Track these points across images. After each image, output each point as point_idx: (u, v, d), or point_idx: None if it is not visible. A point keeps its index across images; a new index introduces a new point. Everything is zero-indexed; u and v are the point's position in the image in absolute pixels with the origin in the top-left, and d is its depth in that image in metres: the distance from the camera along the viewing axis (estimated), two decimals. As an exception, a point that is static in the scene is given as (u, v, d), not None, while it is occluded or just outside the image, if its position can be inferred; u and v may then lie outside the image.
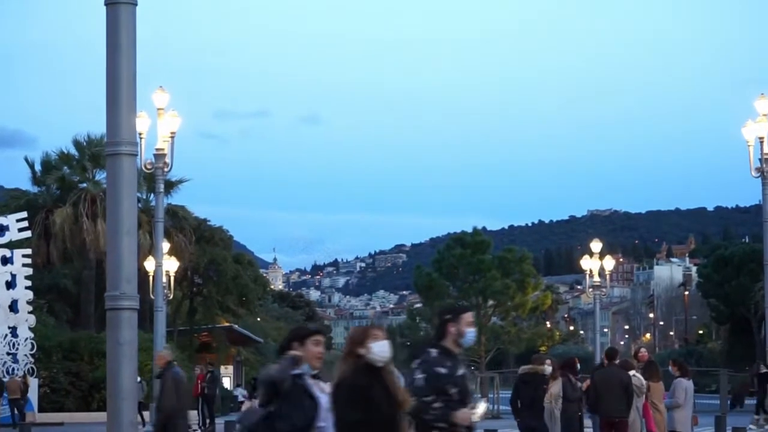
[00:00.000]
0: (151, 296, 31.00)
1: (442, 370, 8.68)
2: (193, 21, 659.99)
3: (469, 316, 9.12)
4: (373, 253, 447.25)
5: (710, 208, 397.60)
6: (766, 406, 39.67)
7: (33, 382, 42.94)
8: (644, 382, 19.82)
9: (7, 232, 44.07)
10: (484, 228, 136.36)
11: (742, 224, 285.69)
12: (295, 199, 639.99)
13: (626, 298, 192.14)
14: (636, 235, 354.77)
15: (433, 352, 8.86)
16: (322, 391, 7.74)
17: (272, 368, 7.86)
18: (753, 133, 26.92)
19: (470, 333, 9.02)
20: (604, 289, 42.31)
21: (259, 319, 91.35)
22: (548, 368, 19.34)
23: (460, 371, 8.93)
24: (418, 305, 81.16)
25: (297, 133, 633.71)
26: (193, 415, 40.90)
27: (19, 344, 43.32)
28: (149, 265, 34.61)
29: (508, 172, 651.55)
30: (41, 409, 43.45)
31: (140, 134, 25.68)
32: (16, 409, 40.97)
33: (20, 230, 44.48)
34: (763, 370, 40.41)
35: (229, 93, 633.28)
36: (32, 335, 43.64)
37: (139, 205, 50.31)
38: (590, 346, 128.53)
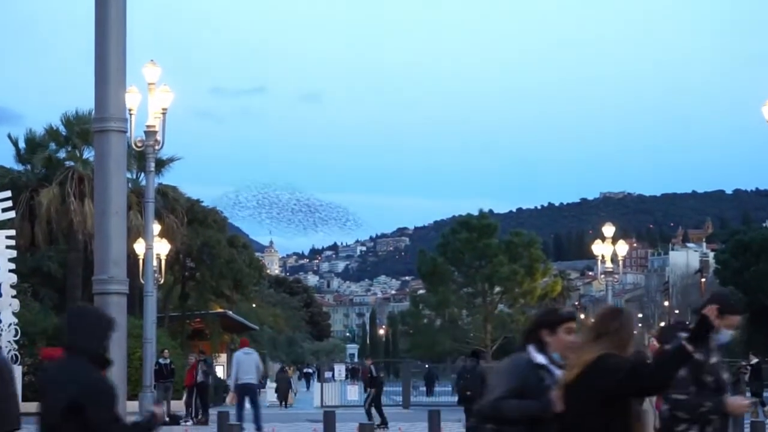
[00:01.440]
0: (141, 281, 30.99)
1: (699, 357, 8.06)
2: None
3: (737, 320, 8.67)
4: (374, 236, 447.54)
5: (729, 191, 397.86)
6: (764, 399, 40.05)
7: (17, 370, 42.99)
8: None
9: (-11, 212, 44.03)
10: (490, 211, 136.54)
11: (762, 208, 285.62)
12: (293, 179, 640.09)
13: (640, 285, 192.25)
14: (650, 219, 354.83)
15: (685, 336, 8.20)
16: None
17: (512, 360, 7.43)
18: (774, 112, 26.83)
19: (725, 335, 8.61)
20: (616, 276, 42.35)
21: (254, 305, 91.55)
22: None
23: (714, 359, 8.56)
24: (422, 291, 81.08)
25: (296, 111, 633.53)
26: (183, 405, 40.99)
27: (2, 330, 43.35)
28: (139, 247, 34.61)
29: (516, 152, 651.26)
30: (25, 399, 43.38)
31: (130, 110, 25.61)
32: None
33: (4, 210, 44.47)
34: (754, 360, 40.94)
35: (226, 69, 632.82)
36: (16, 321, 43.67)
37: (129, 184, 50.27)
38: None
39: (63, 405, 6.37)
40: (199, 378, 39.74)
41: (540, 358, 7.19)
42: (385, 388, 64.40)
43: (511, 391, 7.10)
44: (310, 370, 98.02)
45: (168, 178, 58.50)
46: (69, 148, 54.28)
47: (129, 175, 52.45)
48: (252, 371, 28.91)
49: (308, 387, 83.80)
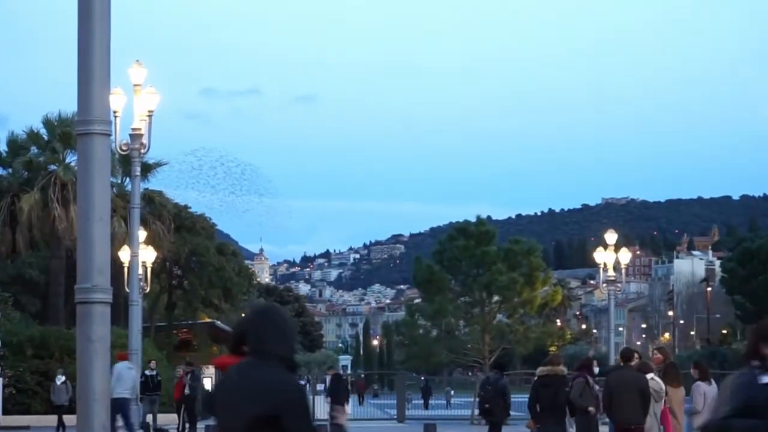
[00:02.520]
0: (126, 289, 30.97)
1: None
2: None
3: None
4: (368, 243, 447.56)
5: (735, 197, 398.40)
6: None
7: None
8: (663, 386, 19.81)
9: (-31, 219, 44.02)
10: (489, 217, 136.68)
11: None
12: (285, 184, 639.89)
13: (643, 295, 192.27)
14: (654, 226, 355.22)
15: None
16: None
17: (737, 377, 7.13)
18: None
19: None
20: (619, 285, 42.29)
21: (243, 314, 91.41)
22: (565, 369, 19.47)
23: None
24: (417, 301, 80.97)
25: (290, 113, 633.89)
26: (171, 419, 40.96)
27: (-19, 341, 43.29)
28: (124, 255, 34.57)
29: (515, 156, 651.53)
30: (5, 412, 43.41)
31: (115, 112, 25.59)
32: None
33: (-16, 216, 44.44)
34: None
35: (217, 69, 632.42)
36: (-3, 330, 43.66)
37: (114, 189, 50.26)
38: (604, 347, 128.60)
39: (258, 415, 5.83)
40: (186, 390, 39.69)
41: (765, 378, 6.92)
42: (379, 401, 64.25)
43: (737, 411, 6.87)
44: (302, 382, 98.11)
45: (154, 183, 58.60)
46: (51, 152, 54.23)
47: (114, 180, 52.43)
48: (129, 386, 29.31)
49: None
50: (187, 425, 39.68)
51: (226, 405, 6.01)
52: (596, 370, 21.35)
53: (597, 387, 20.59)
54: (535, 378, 20.72)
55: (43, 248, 54.97)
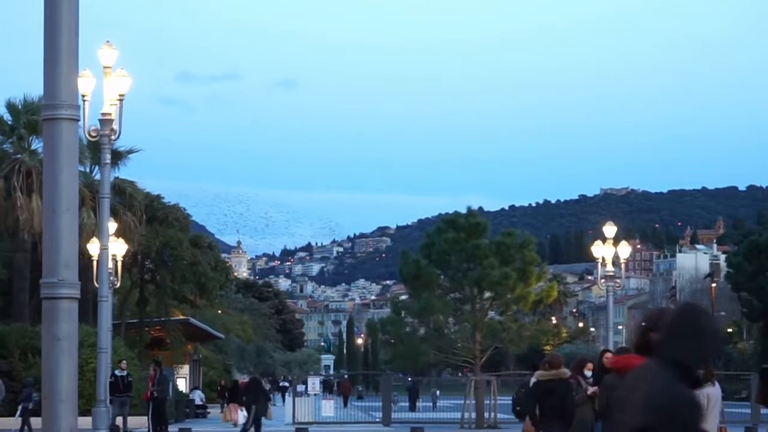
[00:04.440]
0: (95, 284, 30.94)
1: None
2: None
3: None
4: (352, 236, 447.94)
5: (742, 188, 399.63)
6: None
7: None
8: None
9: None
10: (480, 208, 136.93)
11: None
12: (265, 174, 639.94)
13: (644, 291, 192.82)
14: (656, 218, 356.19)
15: None
16: None
17: None
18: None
19: None
20: (618, 280, 42.38)
21: (219, 311, 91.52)
22: (567, 371, 19.52)
23: None
24: (404, 297, 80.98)
25: (271, 99, 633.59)
26: (143, 422, 40.95)
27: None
28: (93, 248, 34.57)
29: (509, 144, 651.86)
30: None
31: (84, 96, 25.53)
32: None
33: (-57, 206, 44.33)
34: None
35: (195, 53, 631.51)
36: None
37: (82, 178, 50.18)
38: (602, 346, 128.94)
39: (637, 427, 5.49)
40: (153, 392, 39.55)
41: None
42: (363, 403, 64.20)
43: None
44: (287, 384, 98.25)
45: (126, 172, 58.61)
46: (15, 139, 54.13)
47: (82, 169, 52.37)
48: None
49: (284, 401, 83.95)
50: (158, 427, 39.66)
51: (618, 413, 5.80)
52: (588, 373, 21.40)
53: (590, 389, 20.67)
54: (535, 381, 20.70)
55: (7, 240, 54.91)
